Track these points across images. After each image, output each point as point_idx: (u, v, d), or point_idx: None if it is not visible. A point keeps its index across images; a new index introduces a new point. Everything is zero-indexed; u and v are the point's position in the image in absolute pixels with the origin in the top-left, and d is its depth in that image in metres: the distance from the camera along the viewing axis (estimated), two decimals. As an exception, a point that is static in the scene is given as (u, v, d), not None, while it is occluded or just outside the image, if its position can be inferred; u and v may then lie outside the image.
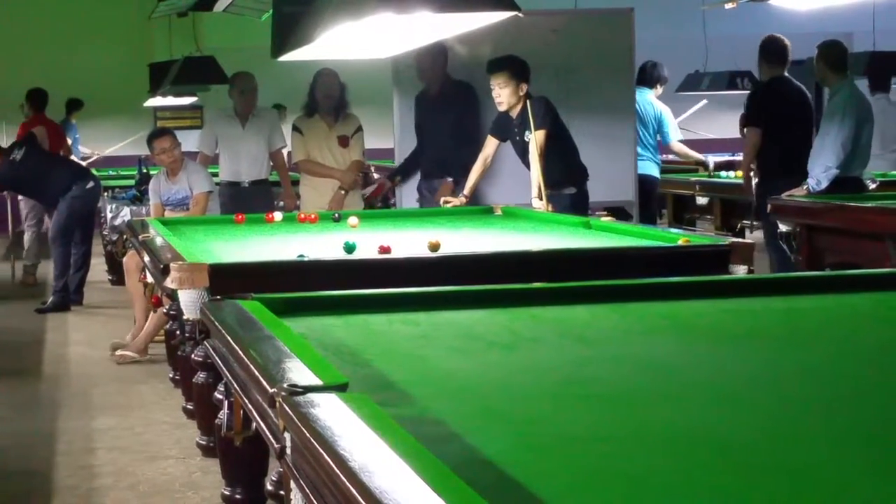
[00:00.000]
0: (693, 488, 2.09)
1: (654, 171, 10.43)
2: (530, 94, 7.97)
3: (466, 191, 8.25)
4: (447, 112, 8.90)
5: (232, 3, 11.44)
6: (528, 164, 8.02)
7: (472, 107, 8.94)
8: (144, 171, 11.11)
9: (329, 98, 9.20)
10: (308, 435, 2.22)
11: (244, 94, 9.85)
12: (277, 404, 2.50)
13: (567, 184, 8.10)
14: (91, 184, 10.91)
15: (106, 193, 11.80)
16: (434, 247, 5.38)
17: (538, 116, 7.79)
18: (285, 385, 2.55)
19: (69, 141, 16.30)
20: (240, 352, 3.10)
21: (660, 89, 10.82)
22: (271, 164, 10.04)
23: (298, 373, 2.68)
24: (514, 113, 8.00)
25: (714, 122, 18.16)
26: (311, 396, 2.46)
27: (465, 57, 9.07)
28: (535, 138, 7.76)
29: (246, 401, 3.11)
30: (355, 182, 9.38)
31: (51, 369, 8.30)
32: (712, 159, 12.05)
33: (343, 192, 9.15)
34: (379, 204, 10.02)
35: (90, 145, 17.35)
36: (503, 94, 7.93)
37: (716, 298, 4.07)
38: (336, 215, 7.42)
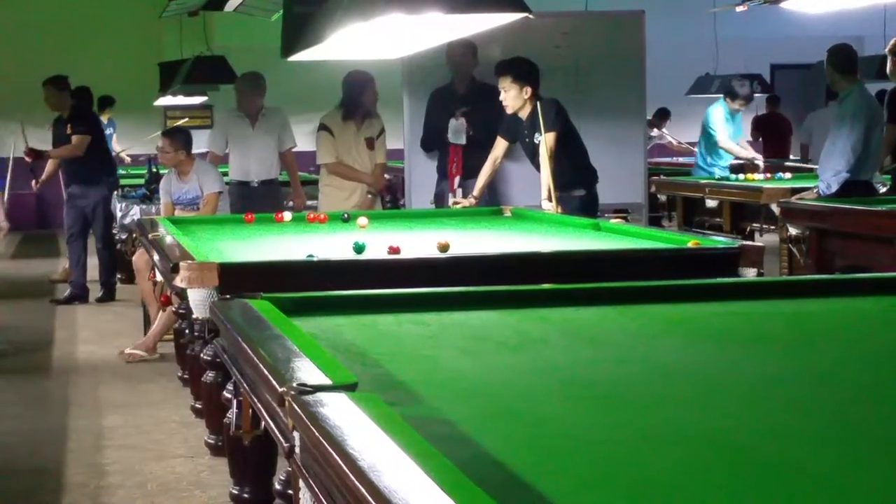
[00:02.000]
0: (700, 490, 2.09)
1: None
2: (540, 96, 7.96)
3: (476, 192, 8.24)
4: (475, 114, 8.88)
5: (242, 3, 11.46)
6: (537, 166, 8.01)
7: (501, 111, 8.93)
8: (154, 170, 11.11)
9: (375, 102, 9.22)
10: (317, 434, 2.22)
11: (244, 94, 9.85)
12: (287, 403, 2.51)
13: (577, 185, 8.09)
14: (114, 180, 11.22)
15: (116, 192, 11.82)
16: (443, 248, 5.39)
17: (548, 119, 7.78)
18: (295, 384, 2.55)
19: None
20: (249, 351, 3.11)
21: (731, 102, 11.68)
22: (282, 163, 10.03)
23: (308, 372, 2.68)
24: (524, 115, 7.99)
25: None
26: (321, 396, 2.47)
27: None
28: (545, 140, 7.76)
29: (255, 400, 3.11)
30: (384, 184, 9.37)
31: (60, 367, 8.32)
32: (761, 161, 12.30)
33: (371, 195, 9.14)
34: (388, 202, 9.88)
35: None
36: (507, 98, 7.94)
37: (725, 301, 4.07)
38: (345, 215, 7.43)
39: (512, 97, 7.92)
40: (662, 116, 16.20)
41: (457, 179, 8.91)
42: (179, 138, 9.17)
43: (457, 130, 8.91)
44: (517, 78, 7.90)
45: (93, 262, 11.22)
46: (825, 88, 12.40)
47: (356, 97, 9.13)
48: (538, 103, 7.86)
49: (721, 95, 12.20)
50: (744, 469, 2.20)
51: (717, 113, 11.82)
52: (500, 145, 8.27)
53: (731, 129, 11.88)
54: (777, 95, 17.19)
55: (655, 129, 15.72)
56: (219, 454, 5.75)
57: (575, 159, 8.06)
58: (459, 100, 9.04)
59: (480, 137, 8.81)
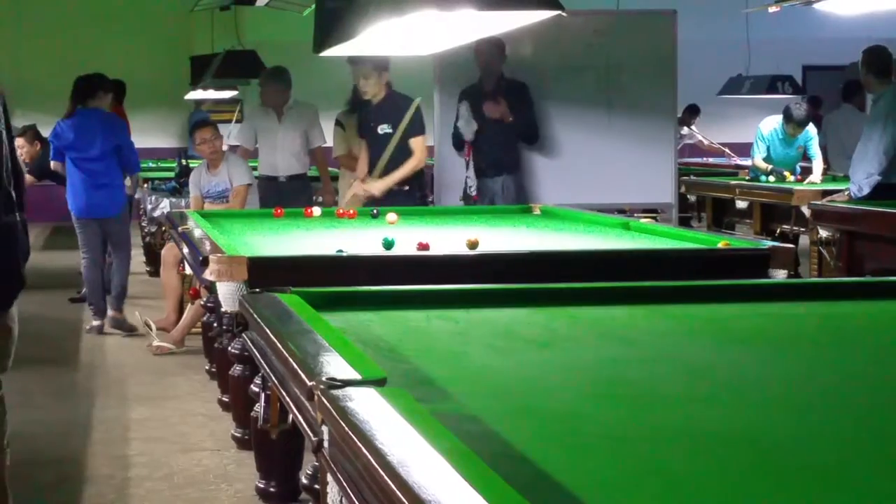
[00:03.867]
0: (728, 490, 2.09)
1: None
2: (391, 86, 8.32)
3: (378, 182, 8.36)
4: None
5: (274, -2, 11.48)
6: (376, 153, 8.28)
7: (528, 106, 8.93)
8: (184, 163, 11.13)
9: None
10: (346, 428, 2.23)
11: (266, 88, 9.86)
12: (316, 397, 2.51)
13: (408, 181, 8.39)
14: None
15: (146, 185, 11.84)
16: (472, 245, 5.38)
17: (418, 122, 8.26)
18: (324, 378, 2.55)
19: None
20: (278, 345, 3.11)
21: (785, 124, 11.15)
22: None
23: (337, 366, 2.69)
24: (376, 101, 8.30)
25: (756, 126, 18.10)
26: (350, 390, 2.47)
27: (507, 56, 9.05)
28: (418, 143, 8.24)
29: (283, 393, 3.12)
30: None
31: (87, 359, 8.35)
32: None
33: None
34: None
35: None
36: (368, 85, 8.24)
37: (755, 302, 4.06)
38: (375, 211, 7.43)
39: (373, 84, 8.26)
40: (692, 113, 16.12)
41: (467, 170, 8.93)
42: (216, 126, 9.28)
43: (467, 122, 8.92)
44: (377, 65, 8.07)
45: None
46: (841, 89, 12.28)
47: (355, 89, 9.20)
48: (394, 94, 8.24)
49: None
50: (773, 470, 2.19)
51: (765, 126, 11.33)
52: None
53: (780, 149, 11.24)
54: (817, 97, 16.88)
55: (686, 128, 15.63)
56: (245, 448, 5.76)
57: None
58: (486, 97, 9.02)
59: (510, 132, 8.81)
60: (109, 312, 9.33)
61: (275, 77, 9.87)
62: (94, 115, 9.35)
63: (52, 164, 9.70)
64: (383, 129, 8.21)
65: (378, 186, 8.22)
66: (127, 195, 9.80)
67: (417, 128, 8.30)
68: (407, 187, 8.39)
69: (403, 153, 8.33)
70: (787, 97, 15.52)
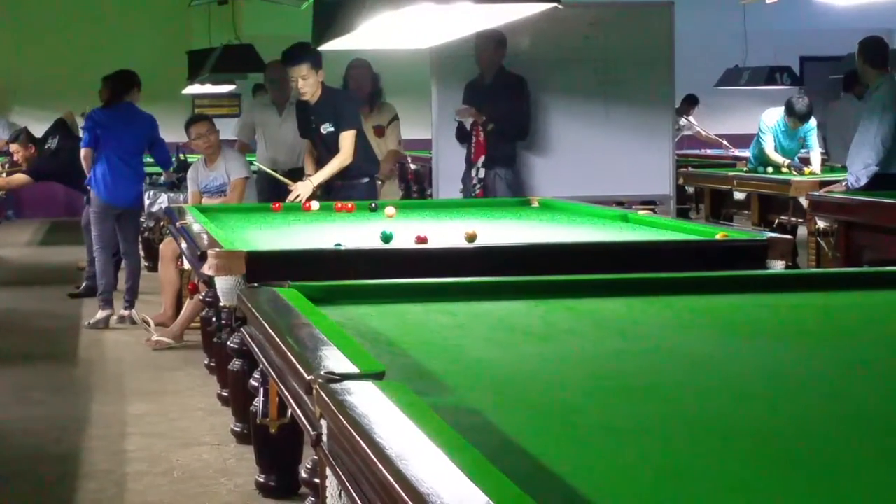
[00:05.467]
0: (727, 481, 2.09)
1: None
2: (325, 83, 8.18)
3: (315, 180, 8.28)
4: (499, 103, 8.87)
5: (271, -9, 11.47)
6: (327, 152, 8.20)
7: (525, 99, 8.92)
8: (182, 158, 11.12)
9: (360, 90, 9.19)
10: (345, 422, 2.23)
11: (273, 82, 9.87)
12: (314, 391, 2.51)
13: (363, 174, 8.30)
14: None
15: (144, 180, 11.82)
16: (471, 237, 5.39)
17: (352, 115, 8.17)
18: (322, 372, 2.56)
19: None
20: (277, 339, 3.11)
21: (787, 117, 11.08)
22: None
23: (335, 360, 2.69)
24: (314, 100, 8.16)
25: (753, 117, 18.12)
26: (348, 384, 2.47)
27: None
28: (347, 137, 8.04)
29: (282, 388, 3.12)
30: (392, 172, 9.37)
31: (86, 354, 8.34)
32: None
33: (380, 182, 9.14)
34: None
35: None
36: (307, 85, 8.04)
37: (753, 293, 4.07)
38: (373, 204, 7.43)
39: (311, 84, 8.06)
40: (690, 103, 16.09)
41: (481, 159, 8.89)
42: (212, 121, 9.29)
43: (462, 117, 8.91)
44: (315, 64, 7.99)
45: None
46: (842, 80, 12.26)
47: (345, 84, 9.20)
48: (330, 91, 8.15)
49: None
50: (771, 460, 2.19)
51: (769, 117, 11.29)
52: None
53: (783, 141, 11.21)
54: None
55: (683, 118, 15.62)
56: (245, 442, 5.76)
57: (366, 150, 8.25)
58: (486, 90, 9.02)
59: (506, 127, 8.81)
60: (121, 311, 9.40)
61: (279, 72, 9.88)
62: (130, 108, 9.80)
63: (84, 150, 9.72)
64: (326, 128, 8.15)
65: (303, 191, 8.10)
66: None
67: (349, 122, 8.17)
68: (367, 179, 8.35)
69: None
70: (786, 88, 15.53)
